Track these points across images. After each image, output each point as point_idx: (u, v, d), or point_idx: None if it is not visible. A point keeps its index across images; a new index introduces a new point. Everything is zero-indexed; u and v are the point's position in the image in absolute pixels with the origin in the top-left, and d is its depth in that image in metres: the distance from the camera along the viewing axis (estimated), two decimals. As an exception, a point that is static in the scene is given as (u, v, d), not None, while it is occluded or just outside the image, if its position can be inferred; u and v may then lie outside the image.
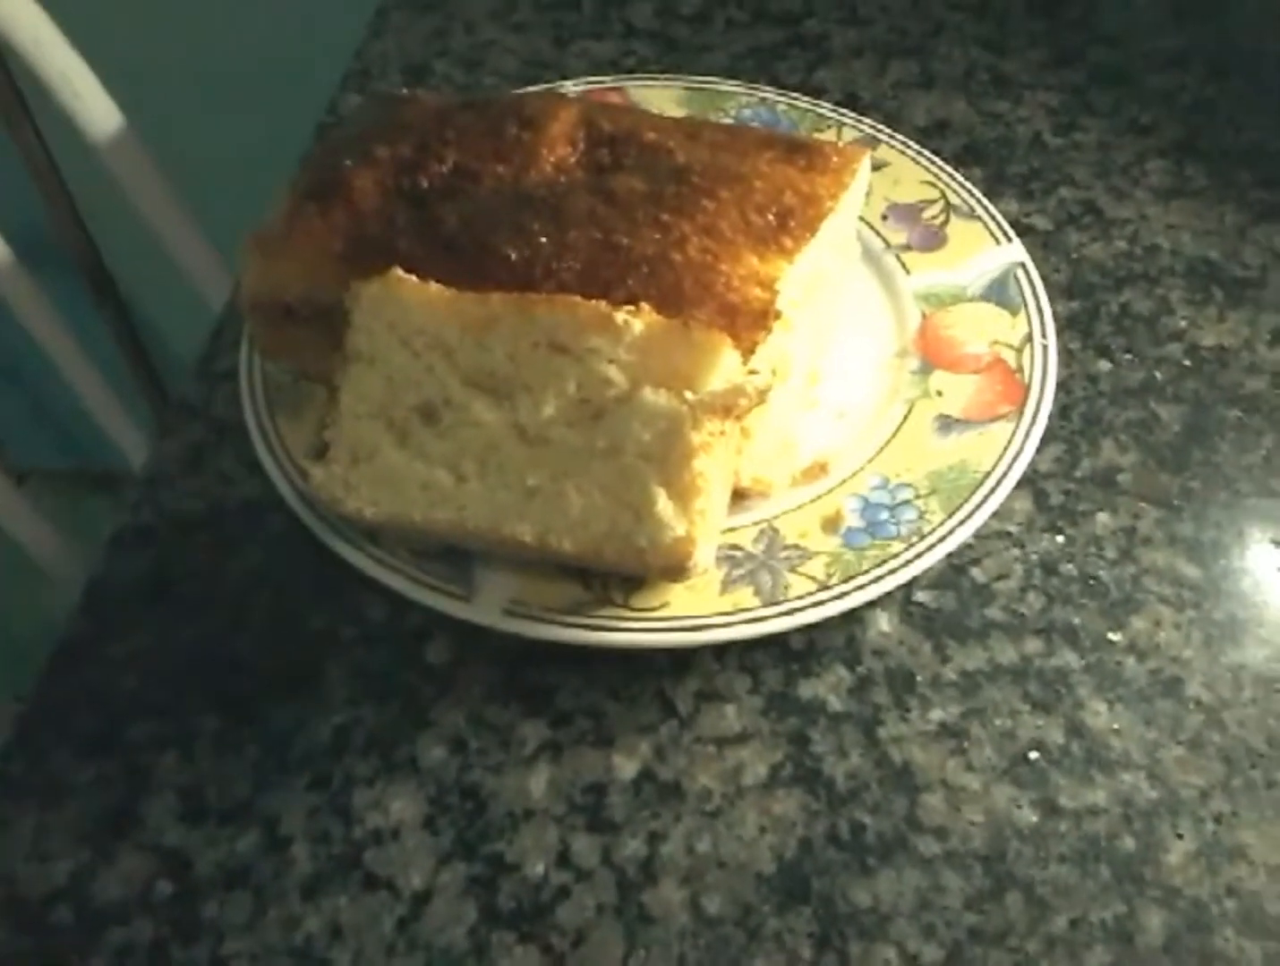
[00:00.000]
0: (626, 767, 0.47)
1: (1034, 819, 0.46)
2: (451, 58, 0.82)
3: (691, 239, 0.49)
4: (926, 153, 0.67)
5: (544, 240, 0.49)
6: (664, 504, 0.42)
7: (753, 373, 0.46)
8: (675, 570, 0.43)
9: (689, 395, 0.43)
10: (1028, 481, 0.55)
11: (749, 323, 0.48)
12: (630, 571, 0.46)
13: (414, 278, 0.46)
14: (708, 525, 0.43)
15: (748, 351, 0.47)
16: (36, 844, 0.46)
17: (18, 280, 0.98)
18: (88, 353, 1.12)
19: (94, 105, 0.86)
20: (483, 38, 0.83)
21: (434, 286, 0.45)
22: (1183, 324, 0.63)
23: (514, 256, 0.49)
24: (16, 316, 1.02)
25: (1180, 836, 0.45)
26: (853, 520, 0.51)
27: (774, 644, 0.50)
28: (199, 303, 0.98)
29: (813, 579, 0.48)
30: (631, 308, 0.44)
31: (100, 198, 0.96)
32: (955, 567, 0.53)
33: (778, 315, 0.48)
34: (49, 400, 1.57)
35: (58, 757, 0.48)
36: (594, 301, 0.44)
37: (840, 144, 0.58)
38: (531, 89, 0.71)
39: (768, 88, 0.71)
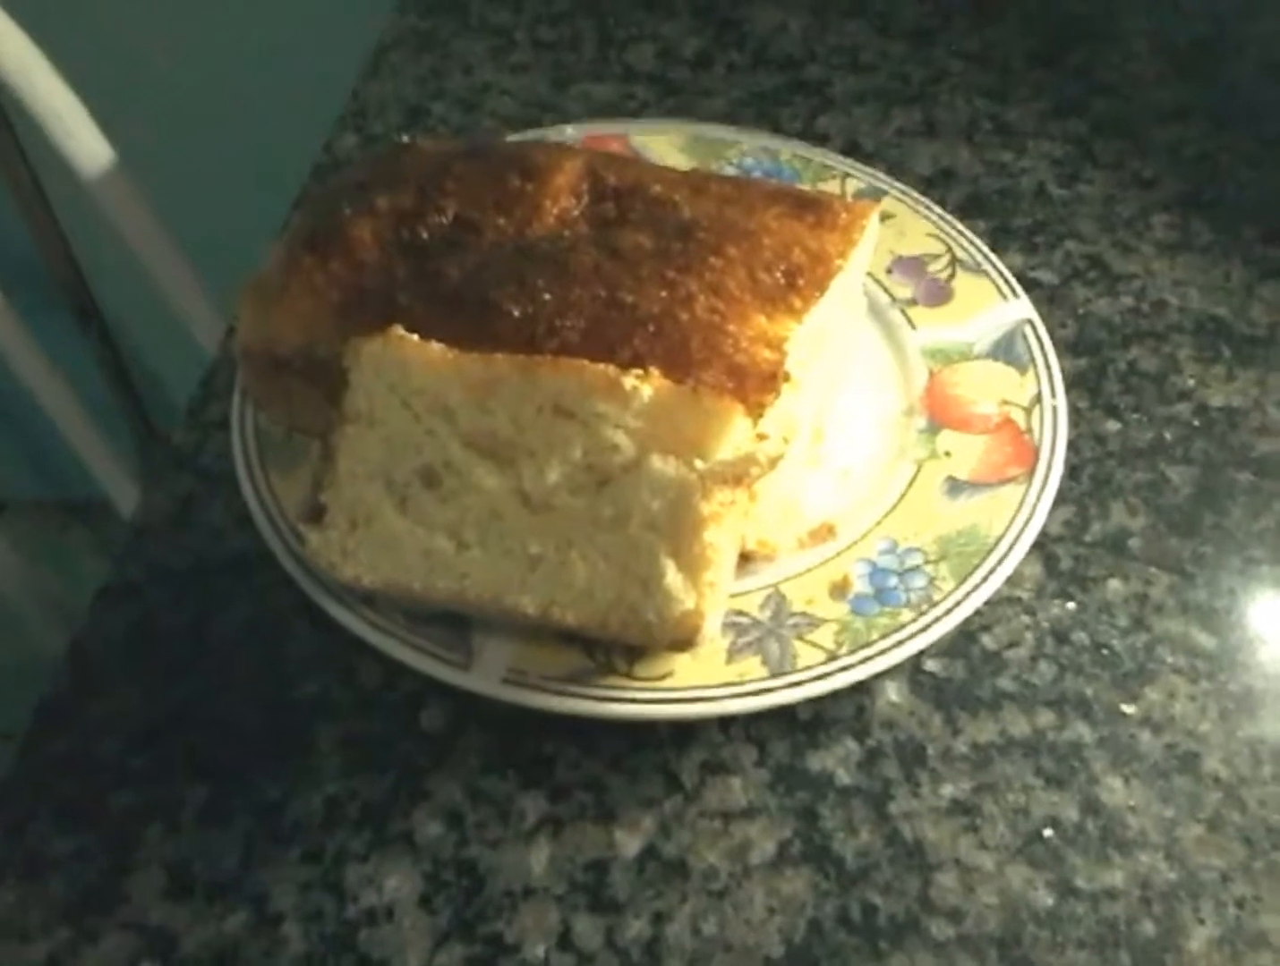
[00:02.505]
0: (629, 844, 0.46)
1: (1050, 901, 0.44)
2: (449, 99, 0.81)
3: (698, 297, 0.48)
4: (931, 204, 0.66)
5: (547, 297, 0.48)
6: (673, 576, 0.41)
7: (761, 437, 0.45)
8: (683, 643, 0.42)
9: (699, 463, 0.41)
10: (1038, 546, 0.53)
11: (757, 385, 0.46)
12: (635, 643, 0.44)
13: (415, 337, 0.44)
14: (717, 597, 0.41)
15: (756, 414, 0.46)
16: (13, 921, 0.44)
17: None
18: (71, 384, 1.10)
19: (86, 143, 0.84)
20: (480, 79, 0.82)
21: (435, 346, 0.44)
22: (1191, 383, 0.62)
23: (516, 313, 0.47)
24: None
25: (1202, 921, 0.44)
26: (861, 586, 0.50)
27: (781, 714, 0.49)
28: (188, 340, 0.96)
29: (821, 648, 0.47)
30: (640, 372, 0.42)
31: (91, 232, 0.95)
32: (965, 635, 0.52)
33: (787, 377, 0.47)
34: (27, 429, 1.54)
35: (36, 828, 0.46)
36: (601, 365, 0.42)
37: (848, 199, 0.57)
38: (532, 133, 0.70)
39: (771, 135, 0.70)
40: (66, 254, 1.21)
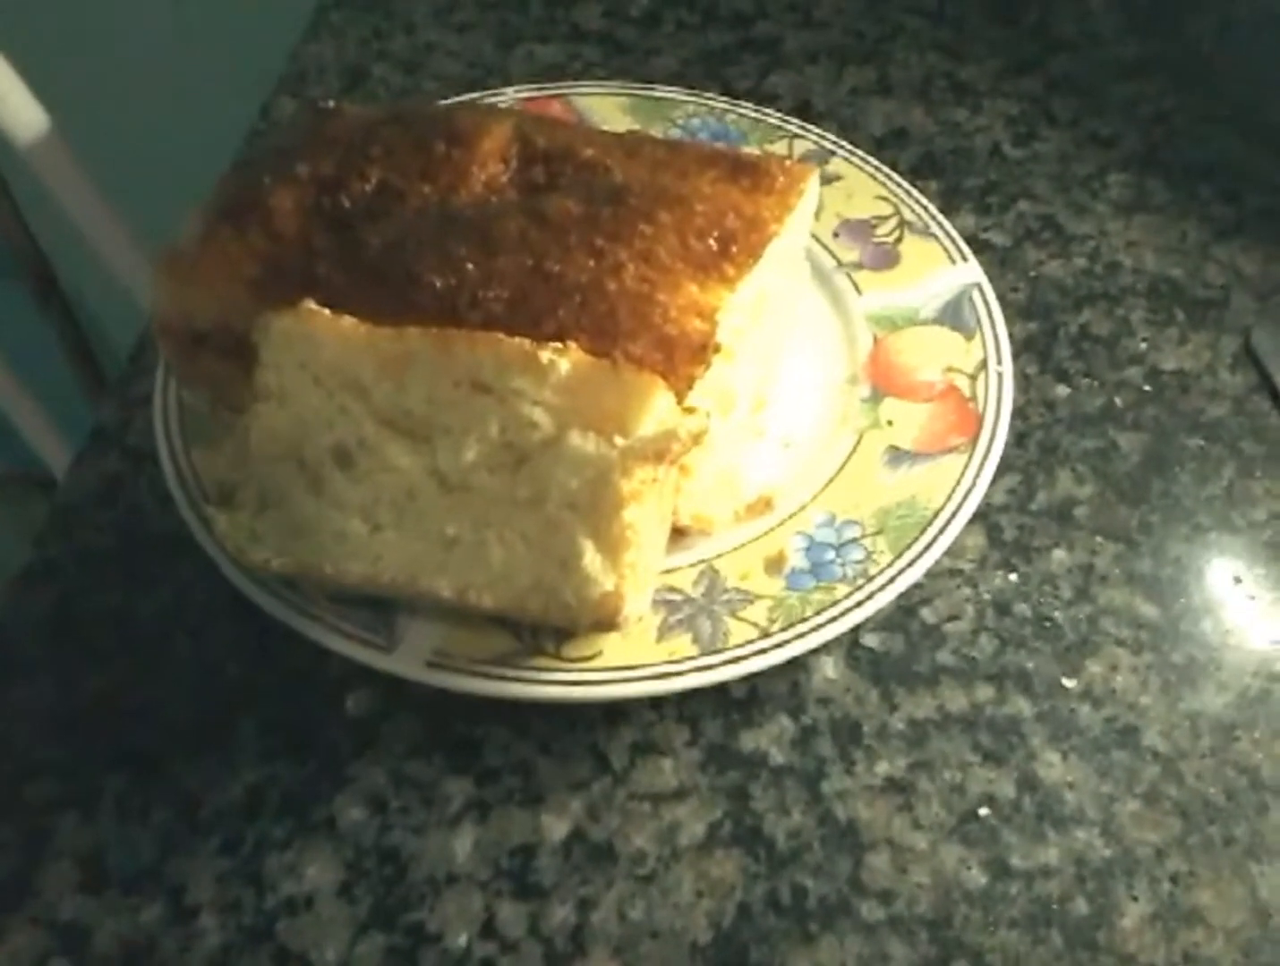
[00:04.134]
0: (556, 828, 0.45)
1: (983, 880, 0.43)
2: (391, 60, 0.79)
3: (628, 266, 0.46)
4: (882, 166, 0.64)
5: (471, 266, 0.46)
6: (591, 557, 0.39)
7: (690, 411, 0.43)
8: (604, 624, 0.41)
9: (619, 440, 0.40)
10: (980, 515, 0.52)
11: (687, 357, 0.45)
12: (556, 624, 0.43)
13: (326, 311, 0.43)
14: (639, 578, 0.40)
15: (686, 387, 0.45)
16: (-79, 917, 0.43)
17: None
18: (21, 357, 1.08)
19: (17, 106, 0.82)
20: (424, 39, 0.80)
21: (348, 320, 0.42)
22: (1143, 346, 0.61)
23: (439, 284, 0.46)
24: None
25: (1135, 898, 0.43)
26: (797, 560, 0.48)
27: (713, 691, 0.48)
28: (136, 308, 0.94)
29: (754, 625, 0.46)
30: (558, 346, 0.41)
31: (40, 195, 0.92)
32: (904, 609, 0.51)
33: (718, 348, 0.46)
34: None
35: (-52, 819, 0.45)
36: (518, 339, 0.41)
37: (788, 161, 0.55)
38: (468, 96, 0.68)
39: (717, 96, 0.68)
40: (22, 225, 1.18)
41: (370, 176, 0.50)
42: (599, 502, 0.40)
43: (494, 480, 0.41)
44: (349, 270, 0.47)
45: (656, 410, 0.40)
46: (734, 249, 0.49)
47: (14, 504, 1.43)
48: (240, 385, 0.47)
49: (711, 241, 0.49)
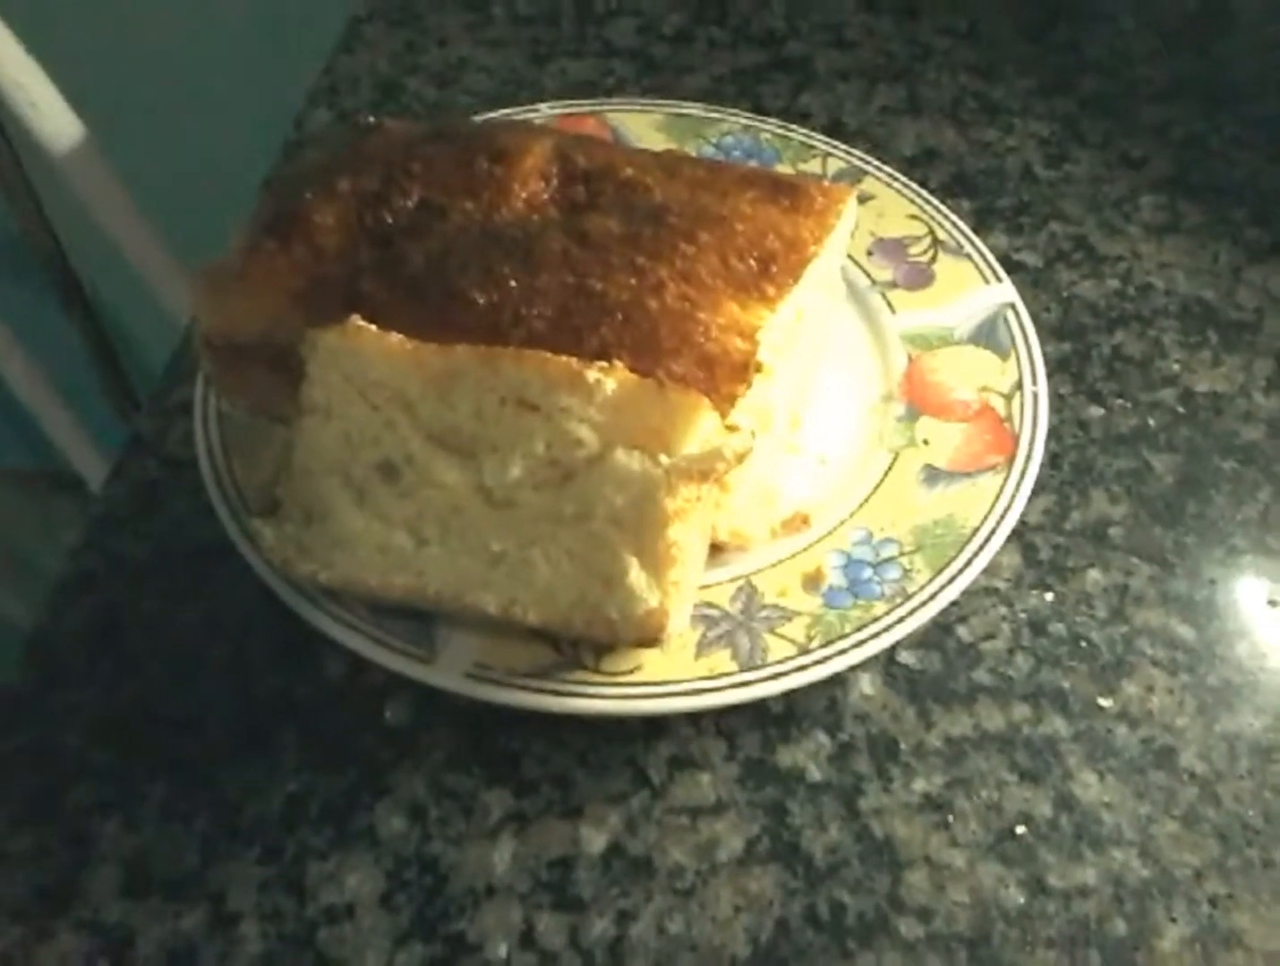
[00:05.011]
0: (595, 840, 0.45)
1: (1021, 899, 0.44)
2: (424, 74, 0.79)
3: (669, 285, 0.47)
4: (914, 185, 0.65)
5: (514, 284, 0.46)
6: (636, 574, 0.40)
7: (732, 428, 0.44)
8: (647, 641, 0.41)
9: (664, 458, 0.40)
10: (1016, 535, 0.52)
11: (729, 375, 0.45)
12: (599, 640, 0.43)
13: (373, 327, 0.43)
14: (682, 595, 0.41)
15: (727, 405, 0.45)
16: (-33, 920, 0.43)
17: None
18: (49, 358, 1.09)
19: (52, 115, 0.82)
20: (456, 54, 0.81)
21: (394, 336, 0.43)
22: (1176, 368, 0.61)
23: (482, 301, 0.46)
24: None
25: (1174, 920, 0.43)
26: (834, 578, 0.49)
27: (751, 707, 0.48)
28: (167, 316, 0.95)
29: (792, 642, 0.46)
30: (604, 365, 0.41)
31: (69, 202, 0.93)
32: (941, 626, 0.51)
33: (759, 367, 0.46)
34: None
35: (-7, 824, 0.46)
36: (565, 358, 0.41)
37: (825, 182, 0.55)
38: (505, 112, 0.68)
39: (751, 115, 0.69)
40: (48, 231, 1.19)
41: (412, 192, 0.51)
42: (644, 520, 0.40)
43: (539, 497, 0.41)
44: (391, 286, 0.48)
45: (702, 429, 0.41)
46: (774, 269, 0.49)
47: (40, 502, 1.44)
48: (282, 397, 0.47)
49: (752, 261, 0.49)
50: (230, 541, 0.49)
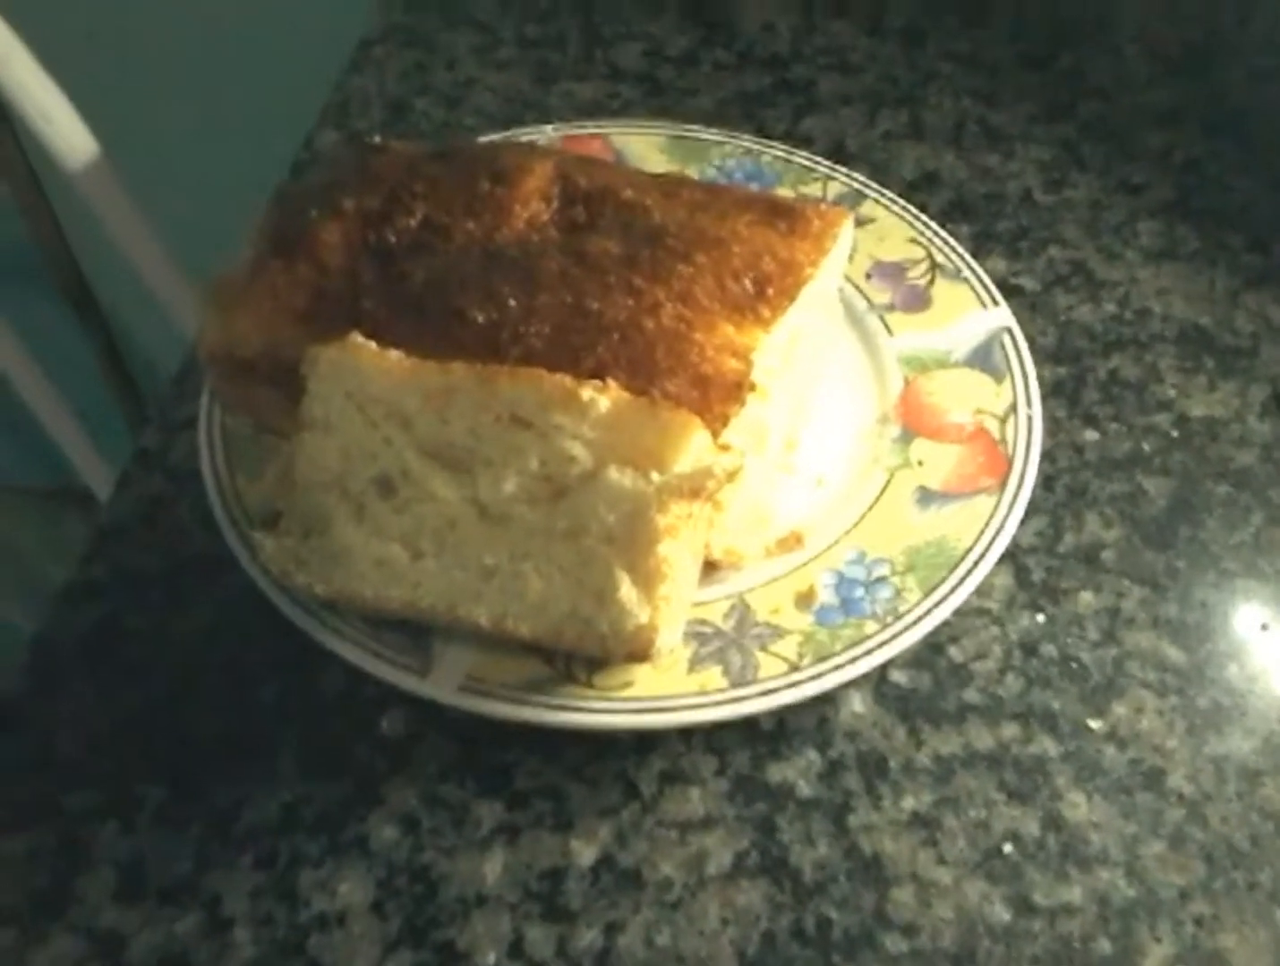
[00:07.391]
0: (585, 853, 0.45)
1: (1006, 917, 0.44)
2: (432, 95, 0.80)
3: (665, 306, 0.48)
4: (913, 209, 0.65)
5: (513, 303, 0.47)
6: (627, 589, 0.40)
7: (724, 448, 0.44)
8: (638, 656, 0.42)
9: (655, 476, 0.41)
10: (1008, 556, 0.53)
11: (722, 395, 0.46)
12: (590, 654, 0.44)
13: (373, 344, 0.44)
14: (672, 611, 0.41)
15: (720, 425, 0.46)
16: (-38, 923, 0.44)
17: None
18: (61, 372, 1.10)
19: (65, 131, 0.84)
20: (464, 75, 0.82)
21: (393, 354, 0.43)
22: (1172, 393, 0.62)
23: (481, 319, 0.47)
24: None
25: (1159, 940, 0.43)
26: (826, 597, 0.49)
27: (742, 723, 0.48)
28: (177, 332, 0.96)
29: (784, 659, 0.47)
30: (598, 383, 0.42)
31: (82, 216, 0.94)
32: (932, 646, 0.51)
33: (753, 387, 0.47)
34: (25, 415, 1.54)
35: (-9, 828, 0.46)
36: (559, 376, 0.42)
37: (823, 205, 0.56)
38: (508, 133, 0.69)
39: (753, 137, 0.70)
40: (63, 246, 1.21)
41: (415, 212, 0.52)
42: (635, 536, 0.41)
43: (533, 512, 0.42)
44: (393, 304, 0.49)
45: (693, 448, 0.41)
46: (769, 291, 0.50)
47: (51, 519, 1.46)
48: (284, 412, 0.48)
49: (747, 283, 0.50)
50: (231, 555, 0.50)
